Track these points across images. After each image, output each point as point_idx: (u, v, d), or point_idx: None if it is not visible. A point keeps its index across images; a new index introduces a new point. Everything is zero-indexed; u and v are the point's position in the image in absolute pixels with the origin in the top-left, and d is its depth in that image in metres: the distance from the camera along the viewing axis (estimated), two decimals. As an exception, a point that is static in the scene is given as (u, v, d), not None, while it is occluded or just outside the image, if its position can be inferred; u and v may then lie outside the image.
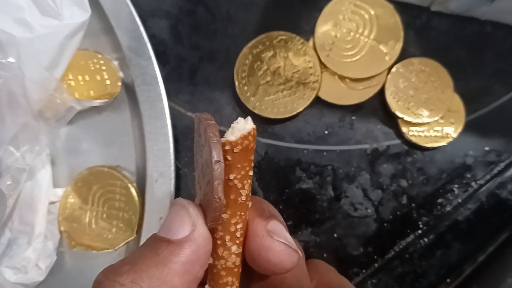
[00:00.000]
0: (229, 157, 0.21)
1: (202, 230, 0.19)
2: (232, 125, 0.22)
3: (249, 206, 0.22)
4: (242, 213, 0.21)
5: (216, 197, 0.20)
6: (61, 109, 0.27)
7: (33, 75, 0.24)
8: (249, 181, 0.21)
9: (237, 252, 0.20)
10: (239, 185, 0.21)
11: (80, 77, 0.30)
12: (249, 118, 0.22)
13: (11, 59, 0.24)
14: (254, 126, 0.22)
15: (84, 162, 0.30)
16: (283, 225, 0.21)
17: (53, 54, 0.26)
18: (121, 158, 0.30)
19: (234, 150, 0.21)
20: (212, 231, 0.20)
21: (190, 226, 0.19)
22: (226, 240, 0.20)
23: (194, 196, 0.30)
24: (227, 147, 0.21)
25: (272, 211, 0.25)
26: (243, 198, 0.21)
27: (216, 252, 0.20)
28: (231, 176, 0.21)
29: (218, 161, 0.20)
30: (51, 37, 0.25)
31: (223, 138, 0.22)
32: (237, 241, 0.20)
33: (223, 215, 0.20)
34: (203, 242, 0.18)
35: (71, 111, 0.26)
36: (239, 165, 0.21)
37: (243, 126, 0.21)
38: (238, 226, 0.21)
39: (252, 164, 0.22)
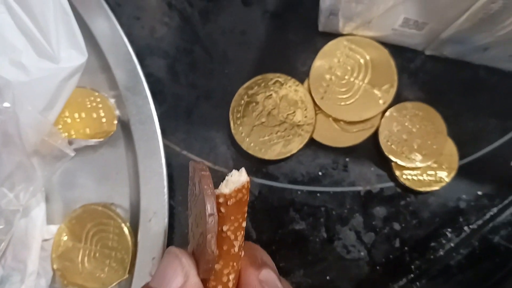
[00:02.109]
0: (222, 209, 0.21)
1: (194, 281, 0.20)
2: (226, 177, 0.22)
3: (242, 255, 0.22)
4: (235, 263, 0.21)
5: (209, 249, 0.20)
6: (56, 148, 0.27)
7: (27, 120, 0.24)
8: (242, 232, 0.22)
9: None
10: (232, 237, 0.21)
11: (76, 115, 0.30)
12: (243, 170, 0.22)
13: (6, 104, 0.24)
14: (248, 179, 0.22)
15: (79, 198, 0.31)
16: (275, 274, 0.21)
17: (49, 97, 0.26)
18: (115, 195, 0.30)
19: (228, 203, 0.21)
20: (205, 281, 0.20)
21: (183, 277, 0.20)
22: None
23: (187, 236, 0.30)
24: (221, 200, 0.21)
25: (264, 258, 0.25)
26: (236, 249, 0.21)
27: None
28: (225, 228, 0.21)
29: (212, 214, 0.20)
30: (47, 80, 0.25)
31: (217, 190, 0.22)
32: None
33: (216, 266, 0.21)
34: None
35: (64, 150, 0.27)
36: (232, 217, 0.21)
37: (237, 178, 0.22)
38: (231, 277, 0.21)
39: (246, 216, 0.22)
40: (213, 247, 0.20)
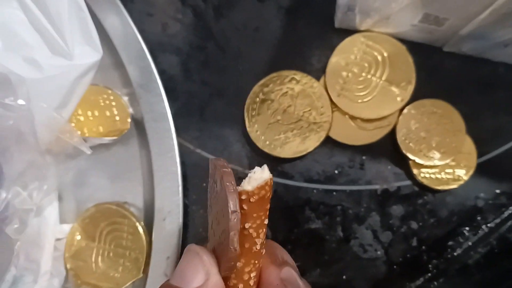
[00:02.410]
0: (245, 207, 0.21)
1: (216, 279, 0.19)
2: (249, 174, 0.22)
3: (263, 253, 0.22)
4: (256, 261, 0.21)
5: (231, 247, 0.20)
6: (70, 146, 0.27)
7: (41, 117, 0.24)
8: (264, 229, 0.21)
9: None
10: (254, 234, 0.21)
11: (89, 113, 0.30)
12: (265, 167, 0.22)
13: (21, 101, 0.24)
14: (271, 176, 0.21)
15: (92, 197, 0.30)
16: (295, 271, 0.21)
17: (63, 94, 0.25)
18: (128, 194, 0.30)
19: (251, 200, 0.21)
20: (226, 279, 0.20)
21: (204, 275, 0.19)
22: None
23: (201, 235, 0.30)
24: (243, 197, 0.21)
25: (285, 256, 0.25)
26: (258, 247, 0.21)
27: None
28: (247, 225, 0.21)
29: (235, 211, 0.20)
30: (61, 77, 0.25)
31: (239, 187, 0.21)
32: None
33: (237, 264, 0.20)
34: None
35: (80, 148, 0.26)
36: (254, 215, 0.21)
37: (260, 175, 0.21)
38: (252, 275, 0.21)
39: (268, 213, 0.21)
40: (236, 245, 0.20)
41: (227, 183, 0.21)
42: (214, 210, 0.24)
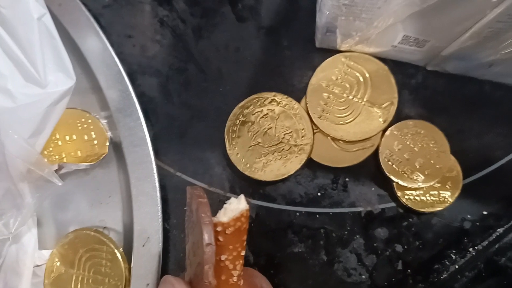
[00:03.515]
0: (221, 238, 0.20)
1: None
2: (224, 205, 0.22)
3: (241, 285, 0.21)
4: (234, 293, 0.21)
5: (206, 281, 0.19)
6: (46, 177, 0.27)
7: (13, 148, 0.24)
8: (241, 261, 0.21)
9: None
10: (231, 266, 0.21)
11: (67, 137, 0.29)
12: (242, 197, 0.21)
13: (-8, 132, 0.23)
14: (247, 207, 0.21)
15: (71, 222, 0.30)
16: None
17: (37, 122, 0.25)
18: (108, 219, 0.30)
19: (226, 232, 0.20)
20: (203, 311, 0.20)
21: None
22: None
23: (183, 261, 0.29)
24: (219, 228, 0.20)
25: (264, 285, 0.24)
26: (235, 278, 0.21)
27: None
28: (223, 257, 0.20)
29: (209, 244, 0.19)
30: (34, 106, 0.25)
31: (215, 218, 0.21)
32: None
33: (214, 296, 0.20)
34: None
35: (54, 180, 0.26)
36: (231, 246, 0.20)
37: (236, 206, 0.21)
38: (230, 306, 0.20)
39: (245, 245, 0.21)
40: (211, 278, 0.19)
41: (202, 214, 0.20)
42: (191, 240, 0.23)
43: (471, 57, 0.25)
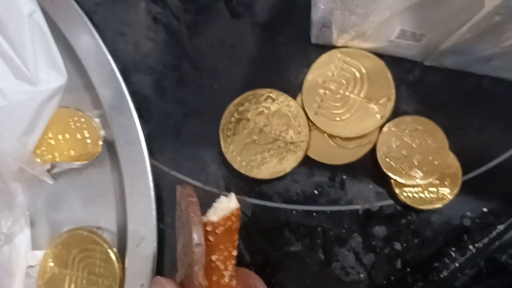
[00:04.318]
0: (211, 238, 0.20)
1: None
2: (214, 204, 0.21)
3: (234, 285, 0.21)
4: (226, 295, 0.20)
5: (196, 282, 0.19)
6: (38, 176, 0.26)
7: (4, 147, 0.23)
8: (232, 261, 0.20)
9: None
10: (222, 267, 0.20)
11: (60, 136, 0.29)
12: (232, 196, 0.21)
13: (-18, 131, 0.23)
14: (238, 206, 0.21)
15: (65, 221, 0.29)
16: None
17: (28, 121, 0.25)
18: (101, 219, 0.29)
19: (216, 231, 0.20)
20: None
21: None
22: None
23: (176, 263, 0.29)
24: (208, 228, 0.20)
25: (259, 286, 0.24)
26: (226, 279, 0.20)
27: None
28: (213, 258, 0.20)
29: (199, 244, 0.19)
30: (25, 104, 0.24)
31: (204, 217, 0.21)
32: None
33: (205, 298, 0.19)
34: None
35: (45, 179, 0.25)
36: (221, 246, 0.20)
37: (226, 205, 0.21)
38: (222, 308, 0.20)
39: (236, 244, 0.21)
40: (201, 280, 0.19)
41: (191, 214, 0.20)
42: (181, 241, 0.23)
43: (470, 51, 0.25)
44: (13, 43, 0.24)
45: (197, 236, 0.19)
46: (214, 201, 0.21)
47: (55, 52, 0.24)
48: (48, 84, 0.25)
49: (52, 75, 0.25)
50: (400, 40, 0.26)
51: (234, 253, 0.20)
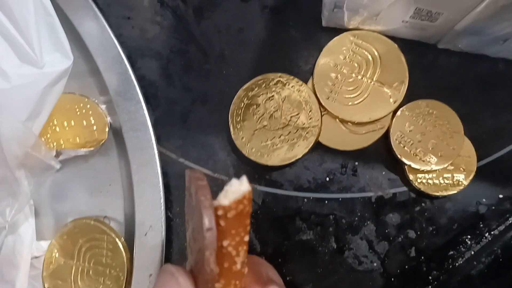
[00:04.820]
0: (222, 223, 0.19)
1: None
2: (225, 187, 0.20)
3: (245, 273, 0.20)
4: (237, 282, 0.19)
5: (207, 268, 0.18)
6: (44, 160, 0.25)
7: (9, 131, 0.22)
8: (244, 247, 0.20)
9: None
10: (234, 253, 0.19)
11: (65, 123, 0.28)
12: (244, 178, 0.20)
13: (-14, 114, 0.22)
14: (250, 188, 0.20)
15: (70, 212, 0.29)
16: None
17: (33, 104, 0.24)
18: (108, 208, 0.29)
19: (228, 215, 0.19)
20: (205, 301, 0.19)
21: None
22: None
23: (186, 250, 0.28)
24: (219, 212, 0.19)
25: (270, 274, 0.23)
26: (238, 266, 0.20)
27: None
28: (225, 243, 0.19)
29: (210, 229, 0.18)
30: (30, 87, 0.24)
31: (215, 201, 0.20)
32: None
33: (216, 285, 0.19)
34: None
35: (51, 163, 0.25)
36: (233, 231, 0.19)
37: (237, 188, 0.20)
38: (234, 296, 0.19)
39: (248, 229, 0.20)
40: (212, 266, 0.18)
41: (202, 197, 0.19)
42: (191, 227, 0.22)
43: (486, 31, 0.24)
44: (17, 23, 0.23)
45: (208, 220, 0.18)
46: (225, 185, 0.20)
47: (61, 33, 0.24)
48: (54, 66, 0.24)
49: (58, 57, 0.24)
50: (415, 20, 0.25)
51: (246, 238, 0.20)
